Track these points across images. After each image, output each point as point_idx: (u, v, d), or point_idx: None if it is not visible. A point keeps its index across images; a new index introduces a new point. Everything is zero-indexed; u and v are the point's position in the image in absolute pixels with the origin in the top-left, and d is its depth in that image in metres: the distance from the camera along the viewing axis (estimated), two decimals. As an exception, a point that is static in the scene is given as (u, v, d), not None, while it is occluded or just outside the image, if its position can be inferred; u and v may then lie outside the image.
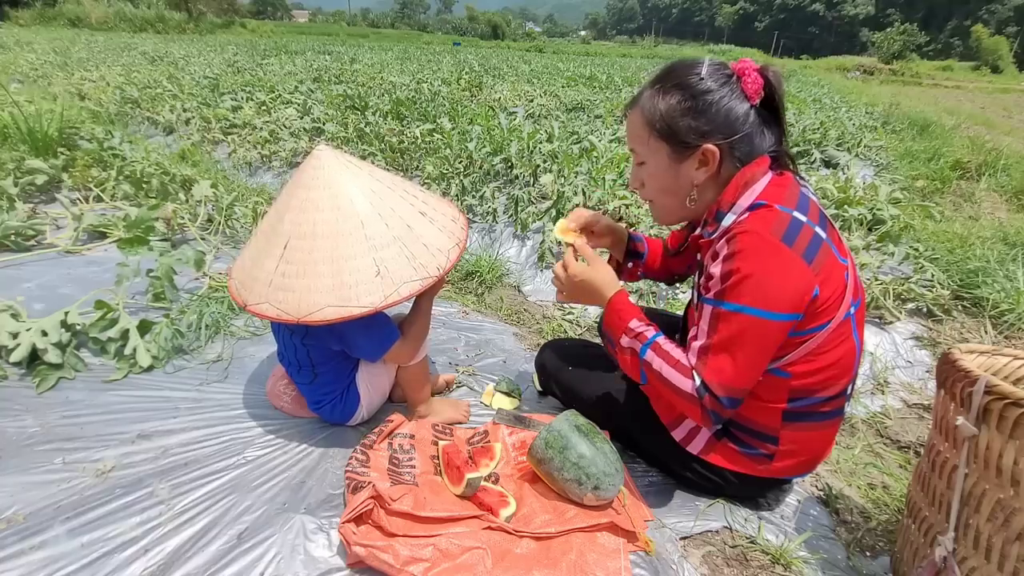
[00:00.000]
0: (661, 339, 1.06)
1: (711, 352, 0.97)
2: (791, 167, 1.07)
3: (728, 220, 1.01)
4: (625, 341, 1.08)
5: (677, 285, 2.32)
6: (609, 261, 1.45)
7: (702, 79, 0.98)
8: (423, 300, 1.36)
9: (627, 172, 3.35)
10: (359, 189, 1.16)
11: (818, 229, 0.97)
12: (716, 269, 0.98)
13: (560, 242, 1.25)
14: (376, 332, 1.28)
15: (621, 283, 1.17)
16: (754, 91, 0.98)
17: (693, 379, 0.98)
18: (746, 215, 0.98)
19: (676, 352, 1.03)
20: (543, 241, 2.65)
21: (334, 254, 1.11)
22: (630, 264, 1.42)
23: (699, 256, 1.14)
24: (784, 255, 0.92)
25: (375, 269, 1.11)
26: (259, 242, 1.21)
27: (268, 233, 1.19)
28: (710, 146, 0.99)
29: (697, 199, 1.06)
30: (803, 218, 0.96)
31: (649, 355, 1.04)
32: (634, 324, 1.08)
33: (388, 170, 3.67)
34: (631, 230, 1.42)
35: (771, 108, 1.02)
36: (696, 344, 1.00)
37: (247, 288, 1.18)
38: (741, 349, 0.95)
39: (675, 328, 1.38)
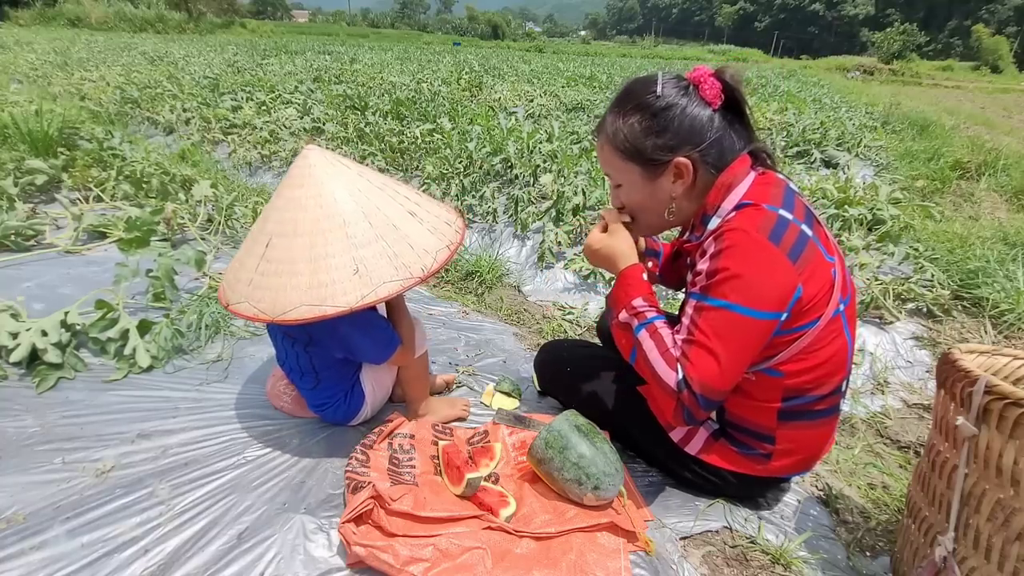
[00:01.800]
0: (659, 322, 1.03)
1: (694, 347, 0.95)
2: (770, 163, 1.08)
3: (714, 223, 1.02)
4: (624, 316, 1.06)
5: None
6: None
7: (659, 96, 0.99)
8: (397, 303, 1.35)
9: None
10: (344, 187, 1.15)
11: (804, 227, 0.97)
12: (704, 265, 0.98)
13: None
14: (380, 336, 1.28)
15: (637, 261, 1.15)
16: (713, 96, 0.99)
17: (677, 372, 0.96)
18: (733, 214, 0.99)
19: (669, 339, 1.00)
20: (543, 241, 2.65)
21: (313, 252, 1.09)
22: (649, 263, 1.41)
23: (689, 259, 1.14)
24: (770, 253, 0.93)
25: (353, 267, 1.09)
26: (247, 243, 1.21)
27: (255, 233, 1.19)
28: (681, 159, 1.00)
29: (676, 210, 1.07)
30: (789, 216, 0.96)
31: (643, 335, 1.02)
32: (637, 302, 1.06)
33: (386, 171, 3.69)
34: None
35: (734, 109, 1.02)
36: (679, 338, 0.99)
37: (231, 288, 1.17)
38: (724, 346, 0.93)
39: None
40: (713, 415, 1.19)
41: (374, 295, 1.07)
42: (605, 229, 1.17)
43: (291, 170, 1.18)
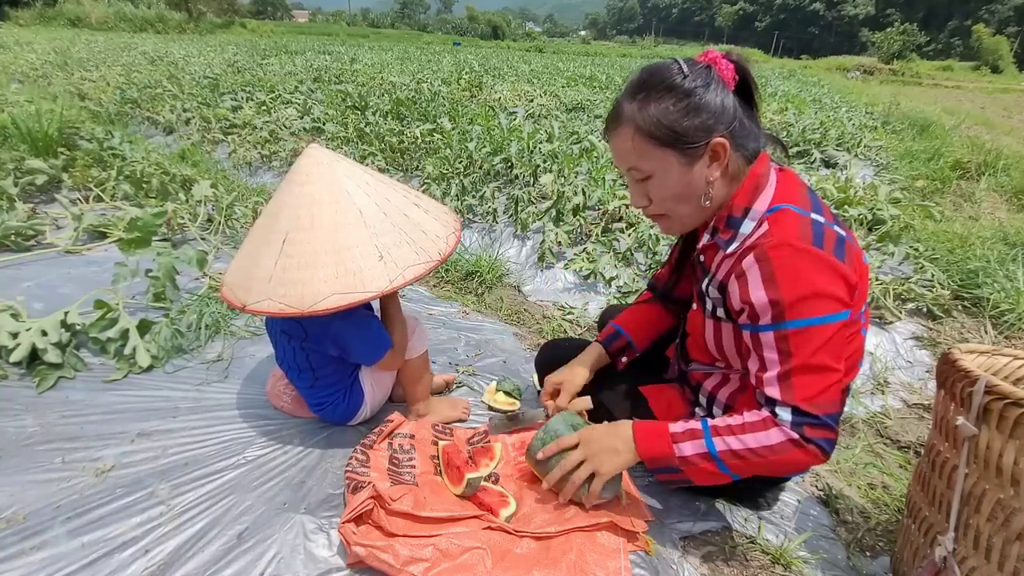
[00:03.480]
0: (709, 420, 1.00)
1: (794, 375, 0.91)
2: (784, 155, 1.07)
3: (747, 227, 0.98)
4: (687, 449, 0.99)
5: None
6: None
7: (687, 76, 0.94)
8: (391, 306, 1.35)
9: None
10: (354, 182, 1.19)
11: (837, 228, 0.96)
12: (759, 294, 0.92)
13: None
14: (373, 337, 1.29)
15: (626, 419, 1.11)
16: (730, 77, 0.97)
17: (776, 424, 0.92)
18: (766, 224, 0.95)
19: (734, 418, 0.98)
20: (543, 241, 2.65)
21: (336, 244, 1.12)
22: (624, 359, 1.36)
23: (703, 259, 1.11)
24: (822, 258, 0.90)
25: (378, 254, 1.13)
26: (254, 243, 1.20)
27: (264, 232, 1.19)
28: (718, 139, 0.95)
29: (713, 196, 1.02)
30: (821, 219, 0.95)
31: (718, 443, 0.96)
32: (676, 428, 1.01)
33: (386, 171, 3.69)
34: (610, 328, 1.36)
35: (744, 92, 1.01)
36: (770, 374, 0.93)
37: (244, 289, 1.16)
38: (825, 359, 0.90)
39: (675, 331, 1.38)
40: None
41: (401, 278, 1.12)
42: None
43: (297, 167, 1.19)
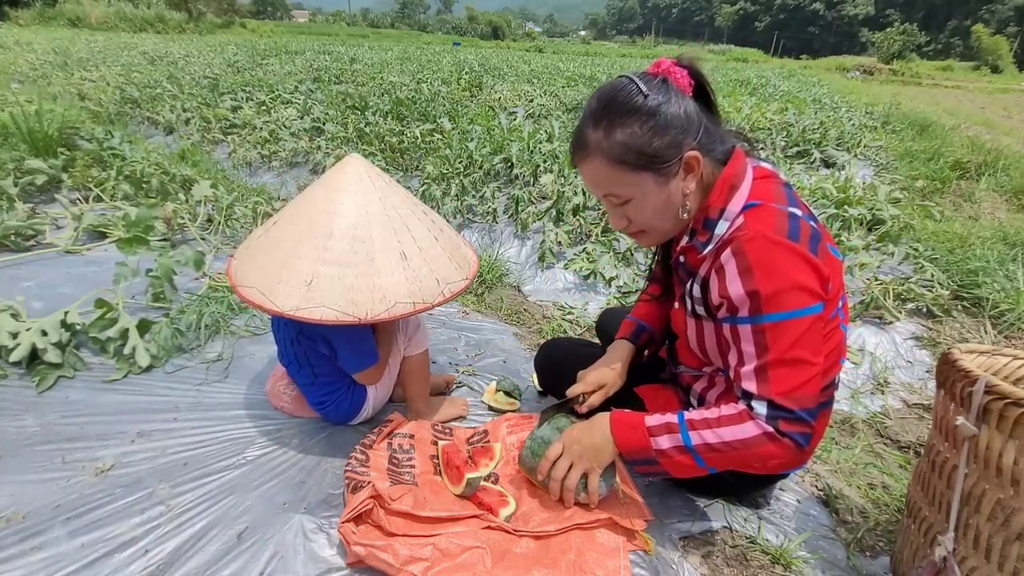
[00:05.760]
0: (686, 414, 1.00)
1: (771, 368, 0.91)
2: (752, 150, 1.07)
3: (722, 227, 0.98)
4: (664, 442, 0.99)
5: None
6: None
7: (647, 95, 0.93)
8: (383, 335, 1.35)
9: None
10: (356, 204, 1.16)
11: (812, 224, 0.96)
12: (736, 287, 0.93)
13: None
14: (362, 348, 1.29)
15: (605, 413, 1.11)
16: (686, 84, 0.97)
17: (752, 417, 0.92)
18: (741, 219, 0.96)
19: (710, 411, 0.97)
20: (543, 241, 2.65)
21: (293, 247, 1.14)
22: (646, 352, 1.37)
23: (684, 260, 1.10)
24: (797, 251, 0.91)
25: (308, 279, 1.10)
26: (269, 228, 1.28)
27: (277, 213, 1.29)
28: (690, 152, 0.95)
29: (690, 207, 1.02)
30: (799, 213, 0.95)
31: (694, 436, 0.96)
32: (652, 420, 1.01)
33: (386, 171, 3.68)
34: (632, 323, 1.35)
35: (702, 95, 1.00)
36: (747, 368, 0.93)
37: (238, 252, 1.28)
38: (802, 352, 0.90)
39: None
40: None
41: (307, 312, 1.08)
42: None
43: (330, 170, 1.24)
